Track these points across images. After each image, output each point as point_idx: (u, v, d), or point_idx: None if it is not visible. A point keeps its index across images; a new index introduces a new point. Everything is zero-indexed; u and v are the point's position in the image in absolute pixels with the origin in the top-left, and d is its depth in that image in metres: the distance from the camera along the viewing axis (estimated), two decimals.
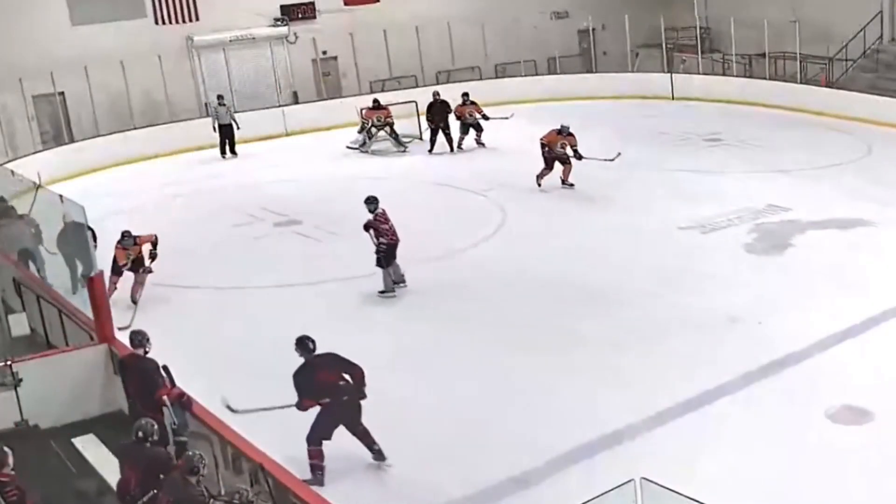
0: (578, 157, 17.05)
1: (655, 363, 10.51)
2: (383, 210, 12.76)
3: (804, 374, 10.04)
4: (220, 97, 23.38)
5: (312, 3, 27.42)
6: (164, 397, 8.28)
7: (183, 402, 8.35)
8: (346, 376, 8.46)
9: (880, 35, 24.44)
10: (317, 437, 8.40)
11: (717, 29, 27.69)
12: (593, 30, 28.71)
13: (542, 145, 17.27)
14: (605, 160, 17.19)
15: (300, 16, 27.29)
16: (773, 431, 8.91)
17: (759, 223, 15.01)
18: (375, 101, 22.61)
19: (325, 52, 27.60)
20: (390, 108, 22.24)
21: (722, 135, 21.36)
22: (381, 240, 12.64)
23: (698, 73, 26.37)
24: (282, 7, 27.14)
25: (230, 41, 26.29)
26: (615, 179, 17.77)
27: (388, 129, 22.07)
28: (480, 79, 27.71)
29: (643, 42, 28.75)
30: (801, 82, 24.02)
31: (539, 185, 17.40)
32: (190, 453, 6.90)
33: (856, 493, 7.87)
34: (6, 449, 7.03)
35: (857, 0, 24.39)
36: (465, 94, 21.34)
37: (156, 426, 7.42)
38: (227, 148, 22.83)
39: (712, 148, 20.08)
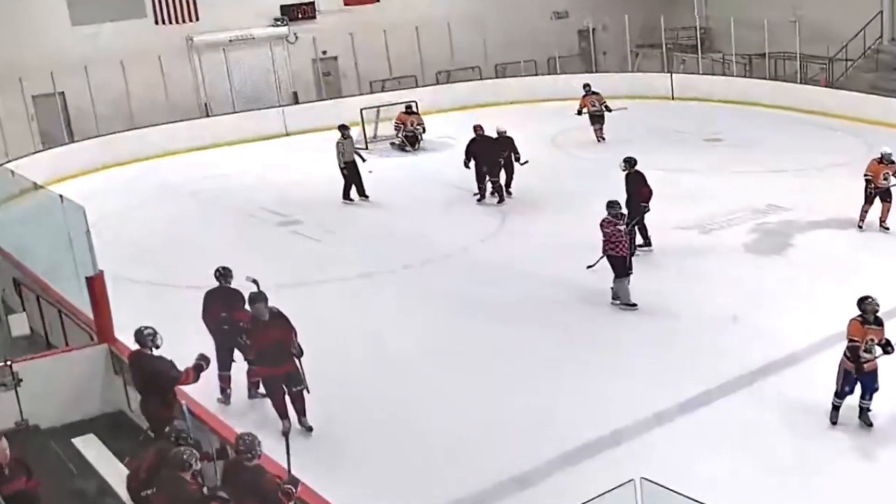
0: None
1: (655, 363, 10.51)
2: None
3: (804, 374, 10.04)
4: None
5: (312, 3, 27.44)
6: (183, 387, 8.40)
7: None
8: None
9: (880, 35, 24.45)
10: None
11: (717, 29, 27.68)
12: (593, 30, 28.72)
13: (867, 180, 14.26)
14: None
15: (300, 16, 27.30)
16: (773, 431, 8.92)
17: (759, 223, 15.01)
18: (409, 106, 22.81)
19: (325, 52, 27.60)
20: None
21: (722, 135, 21.35)
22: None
23: (698, 73, 26.37)
24: (282, 7, 27.16)
25: (230, 41, 26.26)
26: (616, 179, 17.74)
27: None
28: (480, 79, 27.74)
29: (643, 42, 28.76)
30: (801, 82, 24.00)
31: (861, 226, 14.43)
32: (179, 449, 6.75)
33: (856, 494, 7.88)
34: None
35: (857, 0, 24.40)
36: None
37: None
38: None
39: (712, 148, 20.05)
